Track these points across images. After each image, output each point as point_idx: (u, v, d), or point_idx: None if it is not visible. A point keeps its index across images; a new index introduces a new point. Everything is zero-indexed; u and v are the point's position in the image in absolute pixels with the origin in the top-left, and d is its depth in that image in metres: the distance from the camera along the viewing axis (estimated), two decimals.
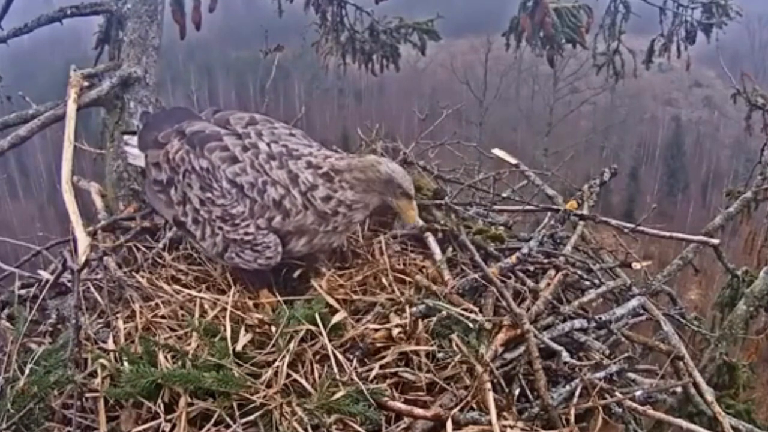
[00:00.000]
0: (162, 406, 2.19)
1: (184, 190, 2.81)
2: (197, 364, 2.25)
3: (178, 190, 2.84)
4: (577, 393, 2.51)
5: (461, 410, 2.30)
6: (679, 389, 2.91)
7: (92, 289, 2.79)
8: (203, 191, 2.78)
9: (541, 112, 29.12)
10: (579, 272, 3.12)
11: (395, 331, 2.52)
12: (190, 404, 2.18)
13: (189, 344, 2.44)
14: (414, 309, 2.63)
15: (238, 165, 2.74)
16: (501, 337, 2.55)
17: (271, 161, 2.74)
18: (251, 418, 2.14)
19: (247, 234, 2.72)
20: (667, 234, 3.45)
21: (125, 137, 3.26)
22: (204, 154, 2.78)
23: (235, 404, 2.16)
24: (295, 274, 2.90)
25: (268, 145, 2.79)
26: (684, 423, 2.52)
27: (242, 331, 2.45)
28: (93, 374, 2.32)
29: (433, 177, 3.74)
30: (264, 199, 2.70)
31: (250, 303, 2.75)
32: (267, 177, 2.71)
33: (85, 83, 3.38)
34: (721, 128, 32.95)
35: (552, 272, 3.04)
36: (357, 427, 2.19)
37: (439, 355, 2.49)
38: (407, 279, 2.90)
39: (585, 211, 3.45)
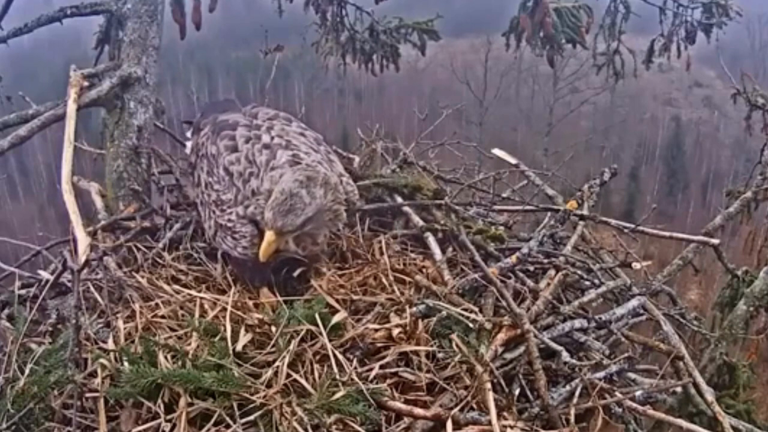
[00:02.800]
0: (162, 406, 2.19)
1: (199, 172, 2.96)
2: (197, 364, 2.25)
3: (195, 173, 3.00)
4: (577, 393, 2.51)
5: (461, 410, 2.30)
6: (679, 389, 2.91)
7: (92, 289, 2.78)
8: (208, 175, 2.89)
9: (541, 112, 29.14)
10: (579, 272, 3.12)
11: (395, 331, 2.52)
12: (190, 404, 2.18)
13: (189, 344, 2.44)
14: (414, 309, 2.63)
15: (235, 154, 2.81)
16: (501, 337, 2.55)
17: (264, 150, 2.77)
18: (251, 418, 2.14)
19: (230, 221, 2.77)
20: (667, 234, 3.46)
21: (185, 125, 3.49)
22: (216, 141, 2.89)
23: (235, 404, 2.16)
24: (295, 274, 2.90)
25: (272, 138, 2.83)
26: (684, 423, 2.52)
27: (242, 331, 2.45)
28: (93, 374, 2.32)
29: (433, 177, 3.74)
30: (245, 189, 2.74)
31: (250, 303, 2.75)
32: (255, 168, 2.75)
33: (85, 83, 3.37)
34: (721, 128, 32.94)
35: (552, 272, 3.04)
36: (357, 427, 2.19)
37: (439, 355, 2.49)
38: (407, 279, 2.90)
39: (585, 211, 3.45)
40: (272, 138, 2.83)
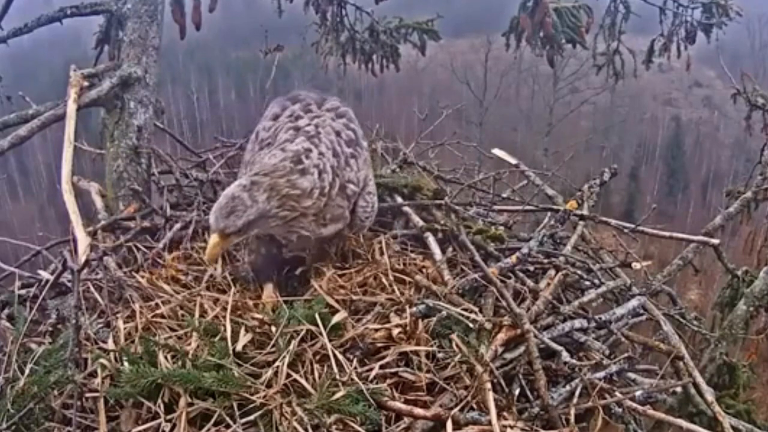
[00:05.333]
0: (162, 406, 2.19)
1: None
2: (197, 364, 2.25)
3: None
4: (577, 393, 2.51)
5: (461, 410, 2.30)
6: (679, 389, 2.91)
7: (92, 289, 2.78)
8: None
9: (541, 112, 29.15)
10: (579, 272, 3.13)
11: (395, 331, 2.52)
12: (190, 404, 2.17)
13: (189, 344, 2.43)
14: (414, 309, 2.63)
15: (270, 122, 2.92)
16: (501, 337, 2.55)
17: (290, 131, 2.83)
18: (251, 418, 2.14)
19: None
20: (667, 234, 3.46)
21: None
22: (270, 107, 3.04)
23: (235, 404, 2.16)
24: (297, 272, 2.90)
25: (308, 124, 2.87)
26: (684, 423, 2.52)
27: (242, 331, 2.45)
28: (93, 374, 2.32)
29: (433, 177, 3.74)
30: (253, 156, 2.86)
31: (250, 303, 2.75)
32: (273, 141, 2.84)
33: (85, 83, 3.37)
34: (721, 128, 32.96)
35: (552, 272, 3.04)
36: (357, 427, 2.19)
37: (439, 355, 2.49)
38: (407, 279, 2.90)
39: (585, 211, 3.45)
40: (307, 124, 2.85)
